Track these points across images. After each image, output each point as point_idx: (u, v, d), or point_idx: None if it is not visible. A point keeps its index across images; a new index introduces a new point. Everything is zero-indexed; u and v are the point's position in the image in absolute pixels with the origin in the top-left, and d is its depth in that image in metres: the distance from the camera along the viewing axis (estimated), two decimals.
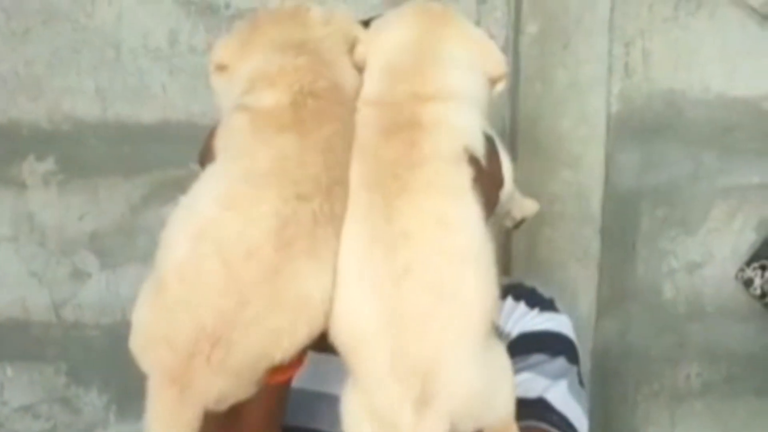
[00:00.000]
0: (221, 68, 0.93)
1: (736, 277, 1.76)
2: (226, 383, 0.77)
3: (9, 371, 1.84)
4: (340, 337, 0.80)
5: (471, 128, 0.90)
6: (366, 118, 0.88)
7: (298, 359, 0.82)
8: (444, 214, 0.81)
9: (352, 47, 0.93)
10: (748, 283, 1.75)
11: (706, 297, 1.79)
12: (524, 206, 1.14)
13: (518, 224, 1.16)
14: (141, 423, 1.76)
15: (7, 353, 1.84)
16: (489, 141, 0.94)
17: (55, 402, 1.85)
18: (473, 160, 0.87)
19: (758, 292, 1.74)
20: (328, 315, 0.80)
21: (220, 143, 0.86)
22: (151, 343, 0.78)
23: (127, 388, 1.81)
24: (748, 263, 1.75)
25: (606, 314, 1.76)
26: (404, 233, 0.79)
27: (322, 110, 0.84)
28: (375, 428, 0.80)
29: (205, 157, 0.89)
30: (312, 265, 0.78)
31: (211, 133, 0.90)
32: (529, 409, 0.95)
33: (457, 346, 0.78)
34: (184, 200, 0.81)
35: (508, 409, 0.84)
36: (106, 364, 1.82)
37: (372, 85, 0.91)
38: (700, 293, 1.79)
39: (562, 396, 1.07)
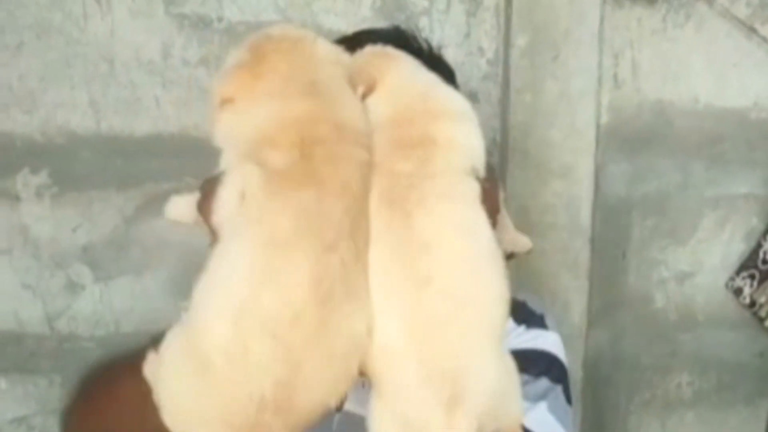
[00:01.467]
0: (228, 101, 0.90)
1: (726, 286, 1.78)
2: None
3: (3, 383, 1.84)
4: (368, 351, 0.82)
5: (478, 149, 0.92)
6: (379, 138, 0.89)
7: None
8: (461, 223, 0.84)
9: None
10: (737, 292, 1.76)
11: (696, 306, 1.80)
12: (516, 240, 1.14)
13: (509, 257, 1.16)
14: None
15: (0, 365, 1.83)
16: (488, 166, 0.96)
17: (49, 414, 1.85)
18: (479, 179, 0.89)
19: (747, 300, 1.76)
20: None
21: (231, 201, 0.84)
22: (203, 422, 0.78)
23: None
24: (738, 272, 1.76)
25: (597, 323, 1.77)
26: (425, 243, 0.81)
27: (331, 154, 0.84)
28: None
29: (207, 204, 0.87)
30: (352, 308, 0.79)
31: (210, 181, 0.88)
32: None
33: (479, 349, 0.80)
34: (211, 273, 0.80)
35: (519, 411, 0.86)
36: None
37: (382, 108, 0.92)
38: (691, 302, 1.80)
39: (541, 418, 1.07)
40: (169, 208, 0.97)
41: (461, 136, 0.90)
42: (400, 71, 0.94)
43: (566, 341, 1.20)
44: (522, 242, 1.15)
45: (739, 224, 1.77)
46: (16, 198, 1.76)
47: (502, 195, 1.04)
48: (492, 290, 0.82)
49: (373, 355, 0.81)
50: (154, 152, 1.71)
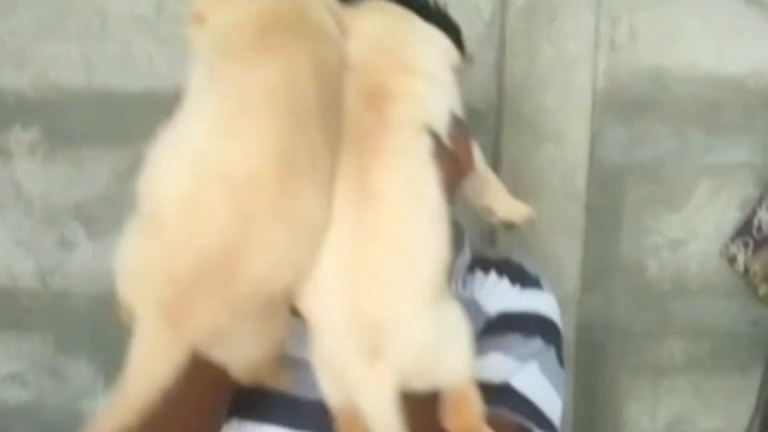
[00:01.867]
0: (199, 20, 0.88)
1: (720, 254, 1.77)
2: (223, 315, 0.74)
3: None
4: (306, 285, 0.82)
5: (437, 105, 0.93)
6: (348, 82, 0.90)
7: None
8: (410, 178, 0.84)
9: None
10: (731, 260, 1.75)
11: (690, 274, 1.79)
12: (511, 209, 1.12)
13: (508, 226, 1.14)
14: None
15: None
16: (460, 125, 0.96)
17: (42, 371, 1.86)
18: (434, 136, 0.90)
19: (742, 269, 1.75)
20: (320, 248, 0.80)
21: (205, 68, 0.82)
22: (146, 279, 0.74)
23: (115, 357, 1.79)
24: (732, 240, 1.75)
25: (590, 290, 1.76)
26: (375, 196, 0.82)
27: (300, 33, 0.83)
28: (332, 381, 0.83)
29: None
30: (314, 191, 0.78)
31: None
32: (493, 394, 0.95)
33: (409, 302, 0.80)
34: (171, 130, 0.78)
35: (463, 370, 0.86)
36: (93, 333, 1.82)
37: (354, 54, 0.92)
38: (684, 270, 1.79)
39: (531, 378, 1.06)
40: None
41: (419, 92, 0.91)
42: (370, 22, 0.94)
43: (560, 306, 1.19)
44: (518, 210, 1.13)
45: (735, 192, 1.75)
46: (8, 154, 1.75)
47: (478, 153, 1.04)
48: (430, 245, 0.83)
49: (307, 292, 0.81)
50: (147, 109, 1.69)
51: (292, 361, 0.98)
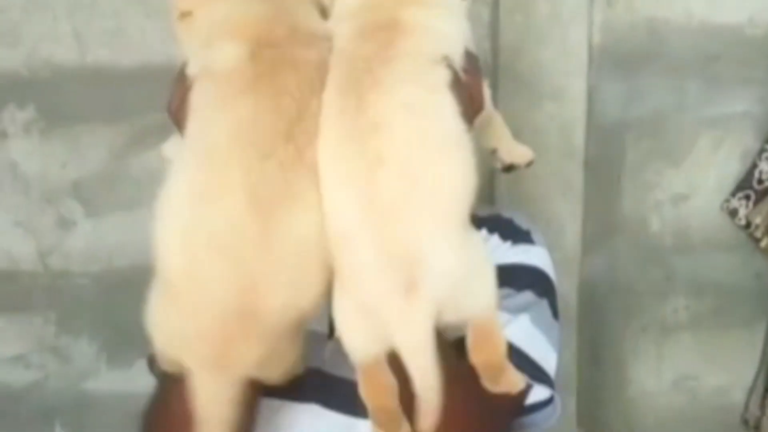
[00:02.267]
0: (185, 15, 0.91)
1: (722, 207, 1.76)
2: (263, 348, 0.80)
3: None
4: (328, 236, 0.81)
5: (452, 37, 0.91)
6: (344, 29, 0.89)
7: None
8: (414, 104, 0.82)
9: None
10: (733, 213, 1.75)
11: (692, 229, 1.79)
12: (514, 151, 1.13)
13: (508, 169, 1.14)
14: (132, 370, 1.77)
15: None
16: (472, 59, 0.94)
17: (45, 351, 1.86)
18: (451, 68, 0.88)
19: (743, 222, 1.74)
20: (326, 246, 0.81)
21: (191, 116, 0.86)
22: (181, 340, 0.81)
23: (117, 335, 1.81)
24: (733, 193, 1.74)
25: (592, 249, 1.76)
26: (375, 124, 0.80)
27: (278, 59, 0.84)
28: (365, 322, 0.81)
29: (177, 112, 0.89)
30: (294, 210, 0.79)
31: (178, 79, 0.90)
32: None
33: (437, 232, 0.79)
34: (163, 196, 0.81)
35: (489, 300, 0.85)
36: (95, 312, 1.82)
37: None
38: (686, 225, 1.78)
39: (523, 330, 1.05)
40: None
41: (432, 22, 0.88)
42: None
43: (561, 267, 1.19)
44: (520, 152, 1.12)
45: (735, 144, 1.75)
46: (4, 134, 1.74)
47: (488, 93, 1.02)
48: (452, 173, 0.81)
49: (331, 240, 0.80)
50: (141, 84, 1.69)
51: (322, 338, 1.00)
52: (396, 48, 0.85)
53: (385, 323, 0.78)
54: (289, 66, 0.84)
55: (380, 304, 0.78)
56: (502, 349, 0.87)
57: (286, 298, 0.79)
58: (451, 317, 0.81)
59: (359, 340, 0.83)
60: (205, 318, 0.79)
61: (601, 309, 1.81)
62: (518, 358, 1.02)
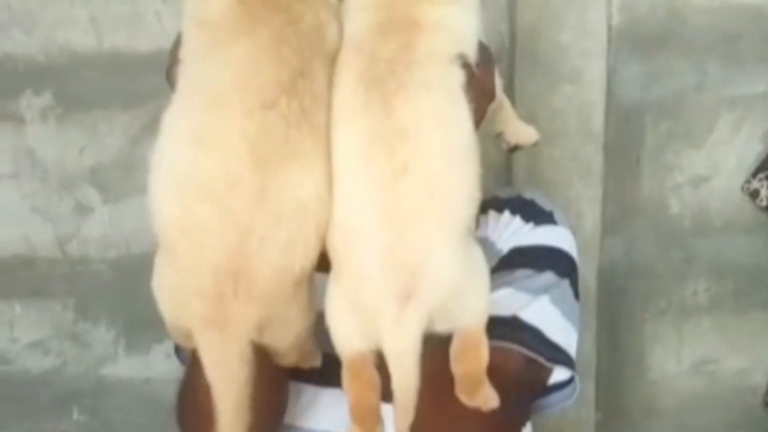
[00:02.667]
0: None
1: (742, 189, 1.74)
2: (259, 309, 0.79)
3: (17, 308, 1.86)
4: (335, 230, 0.82)
5: (467, 34, 0.91)
6: (359, 21, 0.88)
7: None
8: (440, 112, 0.83)
9: None
10: (754, 194, 1.73)
11: (712, 211, 1.77)
12: (520, 132, 1.14)
13: (513, 149, 1.15)
14: (149, 356, 1.78)
15: (14, 290, 1.84)
16: (484, 51, 0.94)
17: (64, 338, 1.86)
18: (466, 66, 0.88)
19: (765, 203, 1.72)
20: (329, 207, 0.81)
21: (182, 66, 0.85)
22: (183, 302, 0.80)
23: (135, 321, 1.82)
24: (754, 174, 1.72)
25: (611, 232, 1.74)
26: (403, 131, 0.80)
27: (271, 4, 0.83)
28: (354, 318, 0.83)
29: (172, 73, 0.88)
30: (296, 169, 0.79)
31: (176, 43, 0.89)
32: (500, 328, 0.95)
33: (443, 244, 0.80)
34: (158, 146, 0.81)
35: (482, 311, 0.86)
36: (113, 298, 1.83)
37: None
38: (707, 207, 1.77)
39: (542, 311, 1.05)
40: None
41: (448, 19, 0.88)
42: None
43: (580, 250, 1.18)
44: (527, 133, 1.13)
45: (756, 124, 1.72)
46: (21, 120, 1.75)
47: (499, 82, 1.02)
48: (463, 186, 0.82)
49: (339, 235, 0.81)
50: (157, 69, 1.66)
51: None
52: (416, 50, 0.85)
53: (376, 325, 0.79)
54: (284, 14, 0.83)
55: (375, 307, 0.79)
56: (484, 362, 0.87)
57: (279, 258, 0.78)
58: (442, 326, 0.83)
59: (346, 334, 0.85)
60: (200, 274, 0.77)
61: (620, 292, 1.79)
62: (534, 338, 1.02)
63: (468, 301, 0.84)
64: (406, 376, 0.80)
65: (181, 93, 0.83)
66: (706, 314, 1.82)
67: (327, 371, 0.95)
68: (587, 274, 1.68)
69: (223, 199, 0.76)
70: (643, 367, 1.85)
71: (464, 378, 0.86)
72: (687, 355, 1.85)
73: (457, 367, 0.86)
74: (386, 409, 0.85)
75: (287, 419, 1.04)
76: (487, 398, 0.87)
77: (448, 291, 0.80)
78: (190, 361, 0.94)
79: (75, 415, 1.90)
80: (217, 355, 0.80)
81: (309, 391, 1.05)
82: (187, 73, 0.83)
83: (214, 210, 0.76)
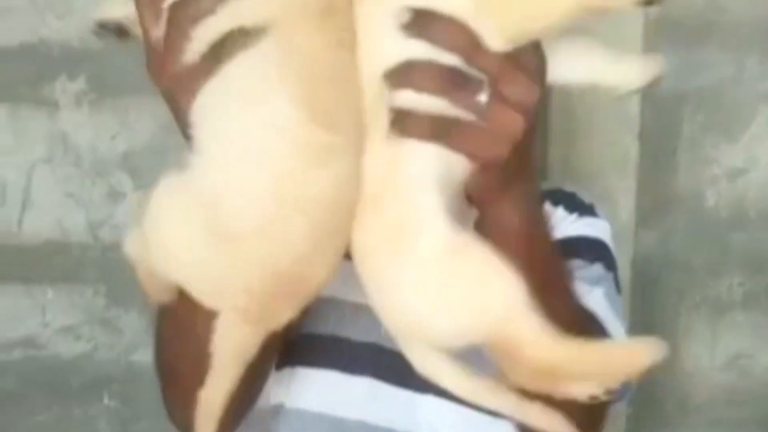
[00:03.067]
0: None
1: None
2: (293, 313, 0.78)
3: (50, 293, 1.86)
4: None
5: None
6: None
7: None
8: None
9: None
10: None
11: (748, 204, 1.75)
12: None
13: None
14: None
15: (46, 275, 1.85)
16: None
17: (95, 323, 1.87)
18: None
19: None
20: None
21: None
22: (221, 287, 0.76)
23: None
24: None
25: (646, 224, 1.73)
26: None
27: None
28: None
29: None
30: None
31: None
32: None
33: None
34: (244, 127, 0.74)
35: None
36: None
37: None
38: (743, 200, 1.75)
39: (598, 303, 1.03)
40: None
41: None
42: None
43: (614, 242, 1.17)
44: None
45: None
46: (55, 105, 1.75)
47: None
48: None
49: None
50: None
51: (346, 304, 0.99)
52: None
53: None
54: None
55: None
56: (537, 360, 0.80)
57: (333, 264, 0.77)
58: None
59: None
60: (255, 272, 0.74)
61: (654, 285, 1.78)
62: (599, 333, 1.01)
63: None
64: None
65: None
66: (741, 308, 1.81)
67: (358, 360, 0.96)
68: (621, 265, 1.64)
69: (316, 216, 0.73)
70: (676, 361, 1.83)
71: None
72: (721, 350, 1.84)
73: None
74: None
75: None
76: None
77: None
78: (165, 317, 0.93)
79: (105, 401, 1.90)
80: (238, 342, 0.78)
81: (337, 379, 1.03)
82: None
83: (305, 223, 0.73)
